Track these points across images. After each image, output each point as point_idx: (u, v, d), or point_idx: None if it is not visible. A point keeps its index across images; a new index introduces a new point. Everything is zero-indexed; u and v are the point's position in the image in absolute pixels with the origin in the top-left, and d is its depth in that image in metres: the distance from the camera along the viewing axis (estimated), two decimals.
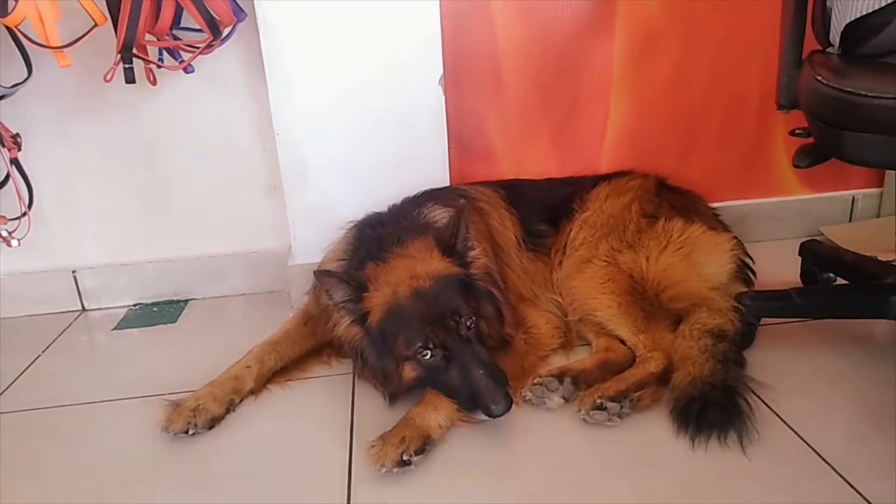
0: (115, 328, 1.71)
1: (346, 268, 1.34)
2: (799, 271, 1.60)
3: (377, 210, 1.50)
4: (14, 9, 1.20)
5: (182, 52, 1.46)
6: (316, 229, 1.65)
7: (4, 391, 1.44)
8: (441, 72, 1.62)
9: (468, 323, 1.18)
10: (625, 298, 1.36)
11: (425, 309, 1.16)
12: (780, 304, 1.34)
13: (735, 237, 1.51)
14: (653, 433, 1.14)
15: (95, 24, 1.30)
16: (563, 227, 1.53)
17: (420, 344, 1.16)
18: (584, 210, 1.54)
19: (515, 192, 1.61)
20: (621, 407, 1.15)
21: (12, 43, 1.36)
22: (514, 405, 1.12)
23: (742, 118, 1.87)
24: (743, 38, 1.78)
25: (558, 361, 1.36)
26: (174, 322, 1.73)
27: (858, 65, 1.16)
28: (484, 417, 1.12)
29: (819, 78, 1.10)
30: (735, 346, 1.26)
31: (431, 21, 1.58)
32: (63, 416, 1.34)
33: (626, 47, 1.77)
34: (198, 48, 1.40)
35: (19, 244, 1.45)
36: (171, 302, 1.83)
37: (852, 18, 1.15)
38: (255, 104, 1.69)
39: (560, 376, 1.24)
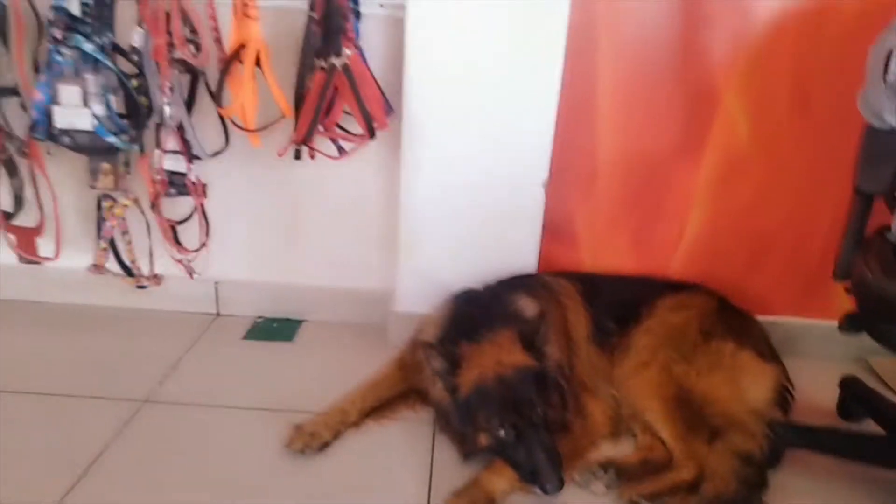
0: (243, 337, 2.08)
1: (441, 337, 1.63)
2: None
3: (472, 287, 1.79)
4: (231, 103, 1.56)
5: (340, 141, 1.78)
6: (418, 286, 1.98)
7: (162, 382, 1.81)
8: (546, 176, 1.89)
9: (539, 411, 1.45)
10: (671, 406, 1.59)
11: (506, 395, 1.44)
12: (809, 440, 1.54)
13: (780, 367, 1.70)
14: None
15: (283, 115, 1.65)
16: (629, 329, 1.77)
17: (497, 422, 1.43)
18: (650, 317, 1.77)
19: (591, 288, 1.86)
20: None
21: (217, 120, 1.73)
22: (564, 486, 1.39)
23: (809, 246, 2.04)
24: (822, 178, 1.95)
25: (607, 448, 1.61)
26: (291, 340, 2.09)
27: None
28: (539, 492, 1.40)
29: (868, 271, 1.30)
30: (761, 469, 1.47)
31: (545, 136, 1.86)
32: (204, 414, 1.68)
33: (712, 171, 1.98)
34: (355, 139, 1.72)
35: (199, 276, 1.83)
36: (289, 320, 2.19)
37: None
38: (384, 176, 2.01)
39: (606, 466, 1.50)
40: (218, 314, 2.21)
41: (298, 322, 2.19)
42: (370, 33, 1.83)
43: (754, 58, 1.87)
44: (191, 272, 1.85)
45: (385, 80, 1.84)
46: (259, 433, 1.62)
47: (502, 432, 1.44)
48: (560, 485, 1.37)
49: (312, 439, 1.56)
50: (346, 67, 1.59)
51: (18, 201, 1.86)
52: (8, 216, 1.86)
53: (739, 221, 2.03)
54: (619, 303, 1.83)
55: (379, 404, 1.72)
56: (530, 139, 1.87)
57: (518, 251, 1.98)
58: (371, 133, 1.66)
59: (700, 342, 1.69)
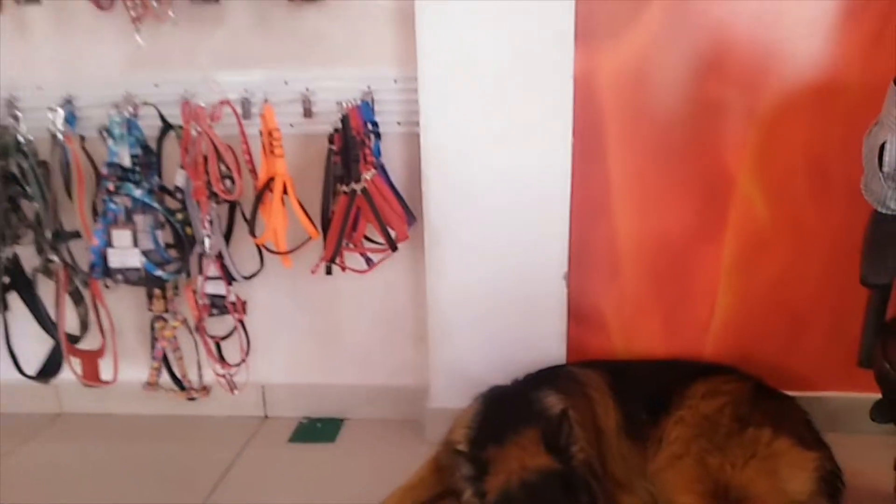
0: (289, 440, 2.17)
1: (471, 438, 1.66)
2: None
3: (500, 384, 1.83)
4: (263, 233, 1.71)
5: (368, 253, 1.89)
6: (451, 381, 2.05)
7: (213, 491, 1.91)
8: (566, 269, 1.95)
9: None
10: (708, 501, 1.56)
11: (531, 501, 1.46)
12: None
13: (824, 452, 1.64)
14: None
15: (310, 238, 1.79)
16: (661, 420, 1.75)
17: None
18: (681, 407, 1.75)
19: (621, 379, 1.86)
20: None
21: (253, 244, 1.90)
22: None
23: (849, 317, 1.97)
24: (854, 249, 1.92)
25: None
26: (333, 441, 2.16)
27: None
28: None
29: (887, 363, 1.28)
30: None
31: (561, 229, 1.93)
32: None
33: (736, 251, 1.98)
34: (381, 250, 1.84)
35: (238, 392, 1.96)
36: (332, 420, 2.27)
37: None
38: (411, 276, 2.10)
39: None
40: (266, 416, 2.32)
41: (340, 421, 2.27)
42: (391, 148, 1.98)
43: (765, 138, 1.89)
44: (232, 388, 1.97)
45: (407, 188, 1.98)
46: None
47: None
48: None
49: None
50: (364, 191, 1.72)
51: (84, 326, 2.05)
52: (74, 340, 2.05)
53: (769, 299, 2.01)
54: (649, 391, 1.83)
55: None
56: (546, 234, 1.94)
57: (546, 342, 2.02)
58: (393, 247, 1.77)
59: (735, 431, 1.66)
